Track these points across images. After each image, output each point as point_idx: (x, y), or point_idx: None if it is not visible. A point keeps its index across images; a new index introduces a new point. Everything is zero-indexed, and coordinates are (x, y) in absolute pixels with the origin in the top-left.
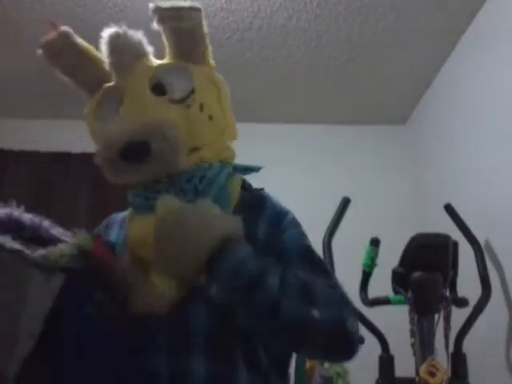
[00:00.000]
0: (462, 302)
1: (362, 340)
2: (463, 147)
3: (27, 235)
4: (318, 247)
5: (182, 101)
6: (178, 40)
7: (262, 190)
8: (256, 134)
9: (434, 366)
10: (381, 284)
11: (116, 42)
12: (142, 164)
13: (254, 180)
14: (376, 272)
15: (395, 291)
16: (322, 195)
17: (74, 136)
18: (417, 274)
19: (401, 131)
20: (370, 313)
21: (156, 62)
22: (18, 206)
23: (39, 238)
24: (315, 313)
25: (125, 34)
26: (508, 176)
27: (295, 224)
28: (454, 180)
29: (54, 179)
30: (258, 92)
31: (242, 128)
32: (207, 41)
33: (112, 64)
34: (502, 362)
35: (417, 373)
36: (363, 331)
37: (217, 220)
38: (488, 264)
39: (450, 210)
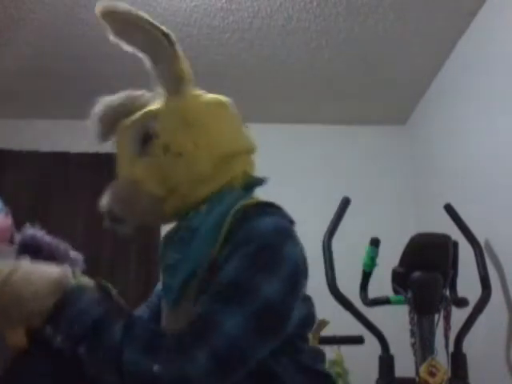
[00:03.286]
0: (461, 302)
1: (362, 340)
2: (463, 147)
3: (45, 255)
4: (318, 247)
5: (143, 152)
6: (151, 66)
7: (262, 214)
8: (256, 134)
9: (434, 366)
10: (381, 284)
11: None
12: (122, 226)
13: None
14: (376, 272)
15: (395, 291)
16: (322, 195)
17: (73, 136)
18: (417, 274)
19: (401, 131)
20: (370, 313)
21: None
22: (18, 206)
23: (55, 258)
24: (156, 367)
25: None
26: (508, 176)
27: (253, 256)
28: (454, 180)
29: (53, 179)
30: (258, 92)
31: None
32: (182, 66)
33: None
34: (502, 362)
35: (417, 373)
36: (363, 331)
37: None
38: (488, 264)
39: (450, 210)
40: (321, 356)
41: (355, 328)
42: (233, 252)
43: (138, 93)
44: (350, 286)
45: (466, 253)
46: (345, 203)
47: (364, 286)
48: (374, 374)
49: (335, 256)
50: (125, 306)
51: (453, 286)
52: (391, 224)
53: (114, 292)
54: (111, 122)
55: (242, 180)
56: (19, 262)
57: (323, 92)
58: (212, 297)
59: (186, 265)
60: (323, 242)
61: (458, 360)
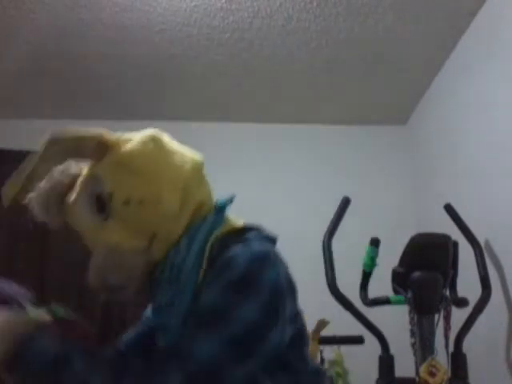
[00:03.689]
0: (461, 302)
1: (362, 340)
2: (463, 147)
3: None
4: (318, 247)
5: (105, 217)
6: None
7: (241, 241)
8: (256, 134)
9: (434, 365)
10: (381, 284)
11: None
12: (124, 293)
13: (253, 182)
14: (376, 272)
15: (395, 291)
16: (322, 195)
17: None
18: (417, 274)
19: (401, 131)
20: (370, 313)
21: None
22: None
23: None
24: None
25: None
26: (508, 176)
27: (230, 283)
28: (454, 180)
29: None
30: (258, 92)
31: (243, 128)
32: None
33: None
34: (502, 362)
35: (417, 373)
36: (363, 331)
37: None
38: (488, 264)
39: (450, 210)
40: (321, 376)
41: (355, 328)
42: (212, 280)
43: (66, 166)
44: (350, 286)
45: (466, 253)
46: (345, 203)
47: (364, 286)
48: (374, 374)
49: (335, 256)
50: (82, 325)
51: (453, 286)
52: (391, 224)
53: (68, 314)
54: (51, 206)
55: (210, 204)
56: None
57: (323, 92)
58: (190, 323)
59: (182, 300)
60: (323, 242)
61: (458, 360)
